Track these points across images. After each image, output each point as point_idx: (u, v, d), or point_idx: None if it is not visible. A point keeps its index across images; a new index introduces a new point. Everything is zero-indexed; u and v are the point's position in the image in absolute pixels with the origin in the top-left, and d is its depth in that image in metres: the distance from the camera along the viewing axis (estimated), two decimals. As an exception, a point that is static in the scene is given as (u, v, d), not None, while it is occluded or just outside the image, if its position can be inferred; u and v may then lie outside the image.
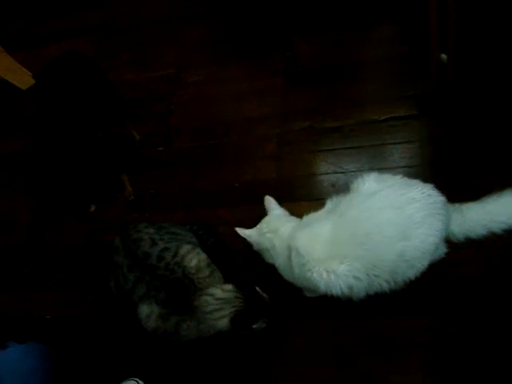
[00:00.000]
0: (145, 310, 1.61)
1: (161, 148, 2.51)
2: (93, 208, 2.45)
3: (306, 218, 1.57)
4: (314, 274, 1.41)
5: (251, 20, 2.77)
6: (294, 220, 1.63)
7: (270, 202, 1.70)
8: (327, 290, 1.42)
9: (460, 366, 1.60)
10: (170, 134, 2.53)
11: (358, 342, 1.74)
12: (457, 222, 1.42)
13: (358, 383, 1.68)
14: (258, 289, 1.62)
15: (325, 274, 1.39)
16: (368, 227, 1.35)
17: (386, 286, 1.40)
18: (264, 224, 1.64)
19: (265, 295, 1.63)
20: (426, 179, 1.44)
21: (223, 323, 1.56)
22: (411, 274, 1.38)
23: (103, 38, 3.12)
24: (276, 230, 1.58)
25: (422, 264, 1.38)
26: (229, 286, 1.60)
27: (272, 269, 1.63)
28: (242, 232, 1.68)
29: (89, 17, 3.29)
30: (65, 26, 3.31)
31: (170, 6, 3.03)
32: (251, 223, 1.70)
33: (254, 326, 1.58)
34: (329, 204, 1.55)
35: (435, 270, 1.47)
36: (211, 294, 1.57)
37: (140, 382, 1.85)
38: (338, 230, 1.42)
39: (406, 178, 1.46)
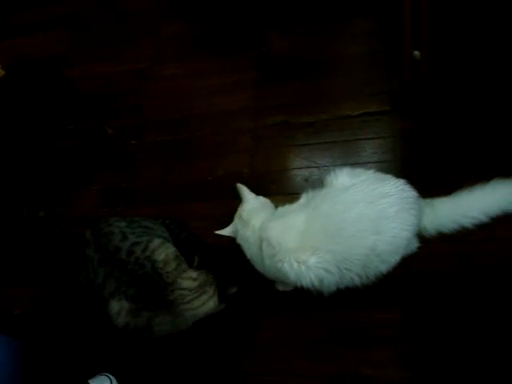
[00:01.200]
0: (115, 306, 1.58)
1: (133, 141, 2.47)
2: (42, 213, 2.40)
3: (280, 210, 1.56)
4: (285, 265, 1.40)
5: (226, 14, 2.76)
6: (266, 209, 1.62)
7: (242, 190, 1.66)
8: (297, 281, 1.42)
9: (432, 359, 1.62)
10: (143, 128, 2.50)
11: (331, 336, 1.74)
12: (429, 217, 1.43)
13: (331, 376, 1.68)
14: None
15: (295, 265, 1.39)
16: (340, 221, 1.35)
17: (357, 280, 1.40)
18: (236, 219, 1.63)
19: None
20: (398, 174, 1.45)
21: (209, 305, 1.60)
22: (383, 268, 1.39)
23: (78, 31, 3.07)
24: (248, 223, 1.57)
25: (394, 258, 1.38)
26: (194, 274, 1.62)
27: (245, 262, 1.62)
28: (223, 232, 1.66)
29: (64, 8, 3.23)
30: (39, 18, 3.24)
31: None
32: (224, 218, 1.69)
33: (234, 290, 1.65)
34: (304, 197, 1.53)
35: (407, 265, 1.48)
36: (184, 288, 1.57)
37: (111, 376, 1.83)
38: (311, 222, 1.41)
39: (378, 173, 1.47)
